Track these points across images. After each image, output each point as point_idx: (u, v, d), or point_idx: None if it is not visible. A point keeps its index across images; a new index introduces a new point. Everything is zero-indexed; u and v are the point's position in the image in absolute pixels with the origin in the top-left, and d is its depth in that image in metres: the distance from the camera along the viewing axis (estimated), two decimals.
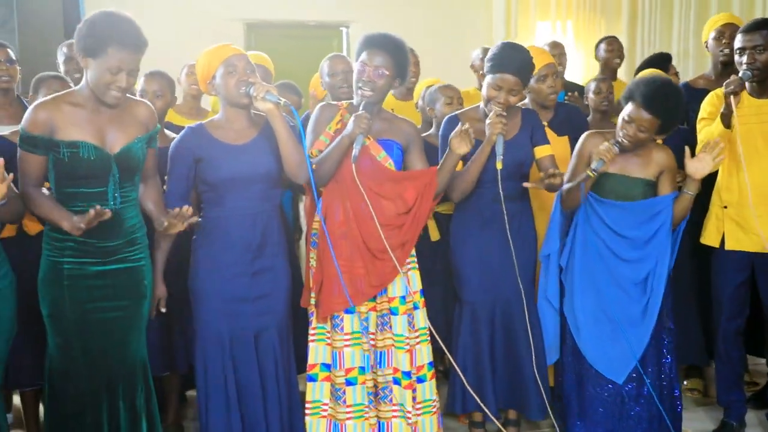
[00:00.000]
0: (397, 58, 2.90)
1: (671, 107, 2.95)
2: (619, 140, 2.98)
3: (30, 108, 2.52)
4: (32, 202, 2.52)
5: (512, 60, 3.00)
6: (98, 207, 2.39)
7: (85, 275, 2.55)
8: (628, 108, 2.97)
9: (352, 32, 6.90)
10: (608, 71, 4.91)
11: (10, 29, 5.34)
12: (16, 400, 3.52)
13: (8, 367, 3.11)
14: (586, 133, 3.19)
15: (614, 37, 5.08)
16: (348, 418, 2.95)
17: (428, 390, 3.03)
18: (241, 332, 2.79)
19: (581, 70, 6.95)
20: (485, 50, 4.58)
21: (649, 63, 4.44)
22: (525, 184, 3.02)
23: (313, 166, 2.82)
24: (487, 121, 2.98)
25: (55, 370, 2.59)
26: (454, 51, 5.00)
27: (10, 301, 2.63)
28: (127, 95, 2.64)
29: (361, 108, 2.87)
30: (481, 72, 4.57)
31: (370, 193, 2.87)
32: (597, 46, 5.05)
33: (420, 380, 3.01)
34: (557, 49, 4.81)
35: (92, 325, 2.57)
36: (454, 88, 3.68)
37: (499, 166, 2.93)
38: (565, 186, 3.06)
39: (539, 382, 3.10)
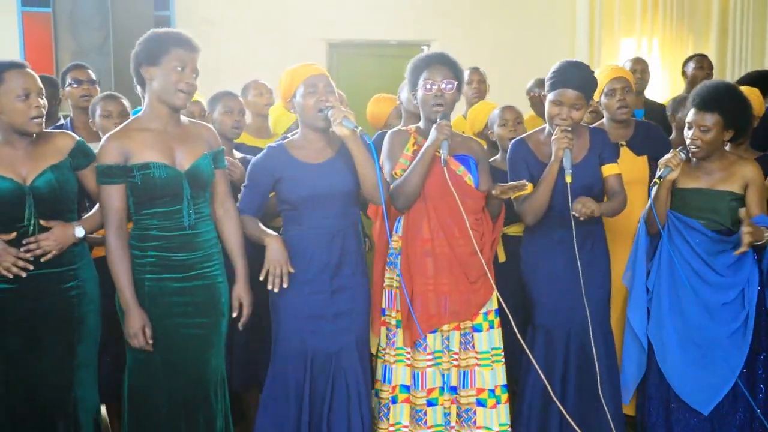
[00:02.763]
0: (455, 70, 2.97)
1: (727, 100, 2.94)
2: (688, 148, 2.96)
3: (102, 140, 2.62)
4: (109, 253, 2.59)
5: (571, 75, 2.98)
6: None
7: (165, 292, 2.62)
8: (689, 115, 2.97)
9: (432, 51, 6.91)
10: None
11: (106, 52, 5.60)
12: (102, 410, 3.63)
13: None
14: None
15: (704, 55, 4.95)
16: None
17: (489, 417, 2.96)
18: (320, 350, 2.81)
19: (668, 88, 6.77)
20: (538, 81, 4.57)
21: (749, 81, 4.25)
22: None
23: (394, 185, 2.87)
24: (553, 137, 2.96)
25: (135, 386, 2.65)
26: (536, 70, 4.91)
27: (95, 303, 2.73)
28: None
29: (438, 119, 2.89)
30: (532, 93, 4.54)
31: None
32: (685, 62, 4.93)
33: (481, 404, 2.97)
34: (639, 65, 4.70)
35: (172, 341, 2.63)
36: (513, 110, 3.63)
37: (568, 179, 2.90)
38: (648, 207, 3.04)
39: (613, 410, 3.01)
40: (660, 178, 2.93)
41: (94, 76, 3.78)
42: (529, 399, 3.10)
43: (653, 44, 6.93)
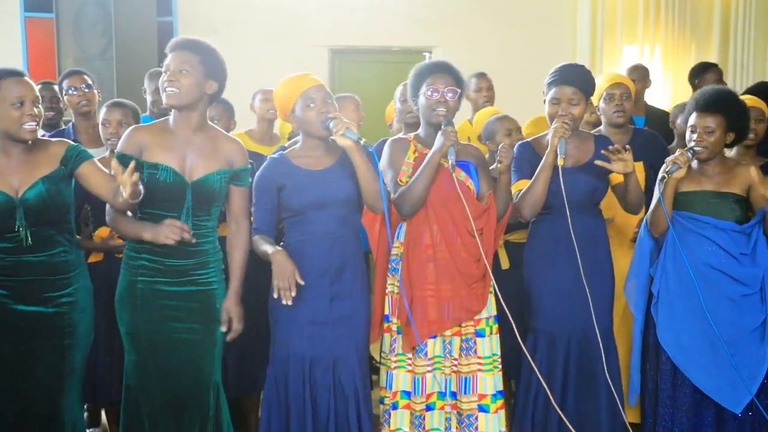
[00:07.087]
0: (457, 79, 2.99)
1: (729, 103, 3.02)
2: (694, 149, 2.99)
3: (127, 130, 2.69)
4: (117, 222, 2.65)
5: (566, 73, 3.08)
6: (185, 226, 2.52)
7: (158, 296, 2.63)
8: (691, 119, 3.04)
9: (435, 57, 6.93)
10: None
11: (108, 58, 5.61)
12: (103, 415, 3.63)
13: (97, 384, 3.20)
14: None
15: (716, 65, 4.98)
16: None
17: (491, 422, 2.96)
18: (320, 356, 2.82)
19: (670, 95, 6.76)
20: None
21: (752, 92, 4.25)
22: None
23: (399, 192, 2.88)
24: (551, 128, 3.00)
25: (131, 387, 2.67)
26: (538, 77, 4.92)
27: (88, 313, 2.73)
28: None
29: (442, 126, 2.91)
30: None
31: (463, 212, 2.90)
32: (698, 73, 4.92)
33: (483, 409, 2.97)
34: (637, 73, 4.71)
35: (165, 344, 2.64)
36: (512, 119, 3.64)
37: (560, 162, 2.94)
38: (651, 209, 3.06)
39: (616, 415, 3.01)
40: (668, 173, 2.95)
41: (90, 81, 3.79)
42: (532, 404, 3.10)
43: (655, 51, 6.93)
